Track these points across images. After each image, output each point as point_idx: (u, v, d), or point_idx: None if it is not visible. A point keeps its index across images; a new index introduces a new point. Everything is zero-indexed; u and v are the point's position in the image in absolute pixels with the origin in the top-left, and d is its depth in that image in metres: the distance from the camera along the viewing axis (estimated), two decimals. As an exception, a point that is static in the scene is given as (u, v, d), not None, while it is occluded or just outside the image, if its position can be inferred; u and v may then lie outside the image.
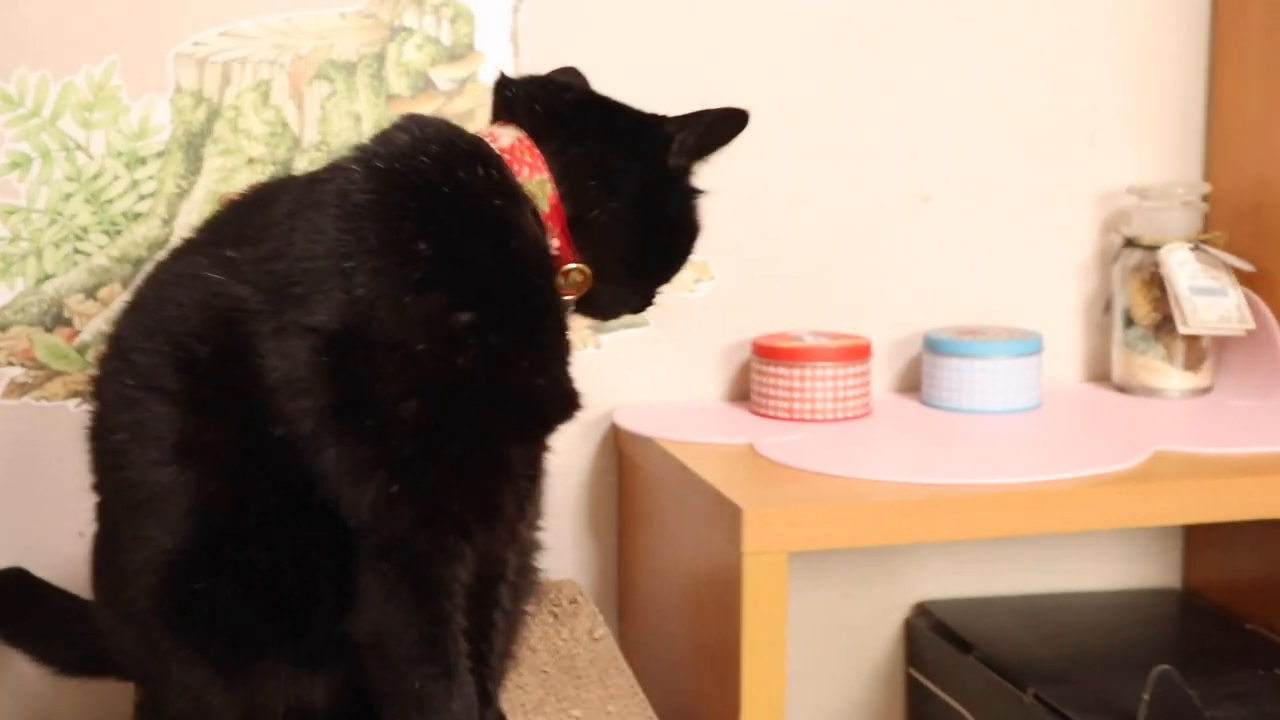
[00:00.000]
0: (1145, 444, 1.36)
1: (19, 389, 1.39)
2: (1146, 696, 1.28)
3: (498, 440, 1.01)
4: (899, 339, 1.59)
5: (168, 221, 1.39)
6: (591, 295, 1.06)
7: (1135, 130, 1.61)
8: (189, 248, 1.05)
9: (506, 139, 1.02)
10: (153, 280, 1.05)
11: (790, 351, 1.46)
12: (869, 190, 1.56)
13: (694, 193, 1.08)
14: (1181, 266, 1.51)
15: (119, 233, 1.39)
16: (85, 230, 1.38)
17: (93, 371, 1.07)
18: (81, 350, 1.39)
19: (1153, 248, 1.53)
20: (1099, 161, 1.60)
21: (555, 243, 1.02)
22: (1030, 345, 1.51)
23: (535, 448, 1.06)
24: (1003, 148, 1.58)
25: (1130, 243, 1.56)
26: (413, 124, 1.02)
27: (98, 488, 1.07)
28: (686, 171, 1.07)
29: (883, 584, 1.63)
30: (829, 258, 1.56)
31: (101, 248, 1.39)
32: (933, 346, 1.52)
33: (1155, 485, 1.27)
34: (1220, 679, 1.41)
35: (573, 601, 1.41)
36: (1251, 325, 1.50)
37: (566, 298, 1.04)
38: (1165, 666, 1.28)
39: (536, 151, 1.01)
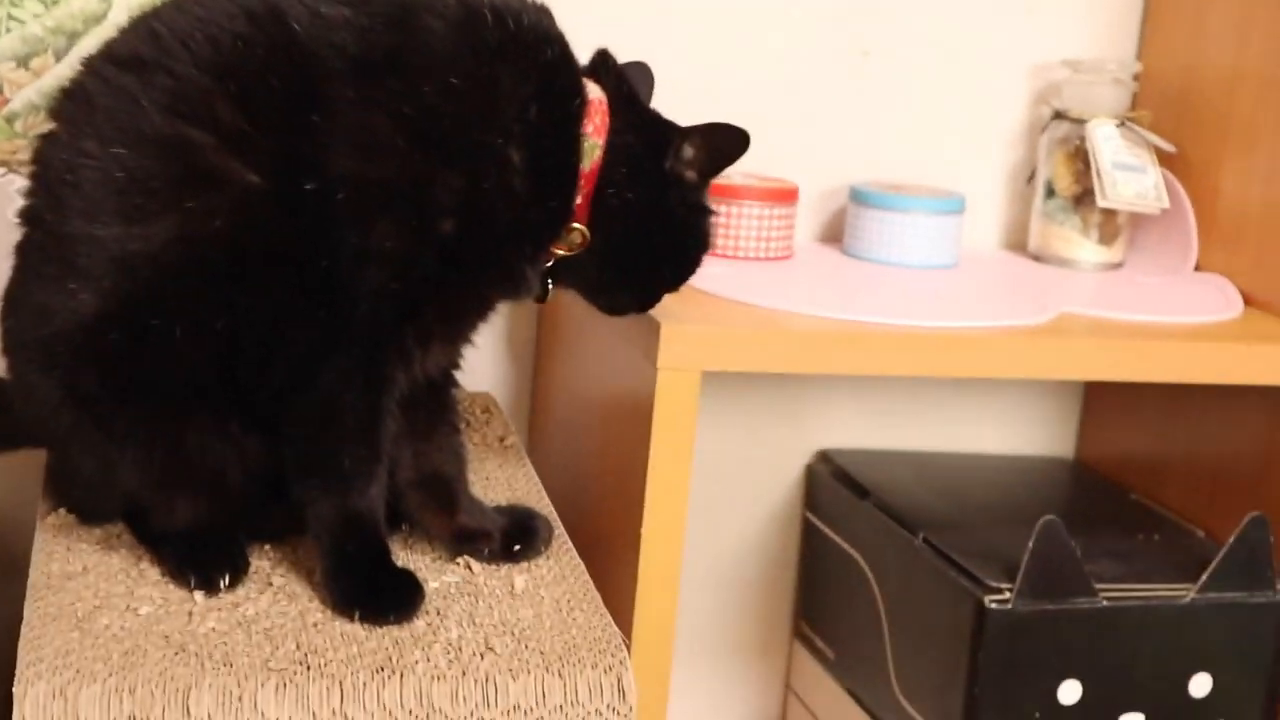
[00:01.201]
0: (1053, 305, 1.40)
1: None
2: (1030, 544, 1.33)
3: (486, 283, 1.11)
4: (827, 189, 1.61)
5: (110, -5, 1.38)
6: (588, 275, 1.15)
7: (1072, 4, 1.63)
8: None
9: (595, 93, 1.12)
10: (195, 9, 1.06)
11: (719, 189, 1.47)
12: (809, 40, 1.58)
13: (701, 208, 1.17)
14: (1106, 141, 1.54)
15: (55, 3, 1.37)
16: (20, -4, 1.37)
17: (62, 94, 1.08)
18: (10, 119, 1.38)
19: (1080, 121, 1.56)
20: (1035, 31, 1.63)
21: (578, 200, 1.10)
22: (952, 204, 1.54)
23: (495, 301, 1.15)
24: (944, 9, 1.60)
25: (1059, 115, 1.59)
26: (546, 16, 1.11)
27: (30, 224, 1.07)
28: (686, 180, 1.15)
29: (787, 429, 1.67)
30: (765, 104, 1.57)
31: (37, 16, 1.37)
32: (857, 198, 1.54)
33: (1059, 340, 1.32)
34: (1101, 539, 1.47)
35: (485, 410, 1.44)
36: (1166, 204, 1.54)
37: (560, 247, 1.12)
38: (1050, 517, 1.33)
39: (606, 120, 1.11)
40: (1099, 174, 1.53)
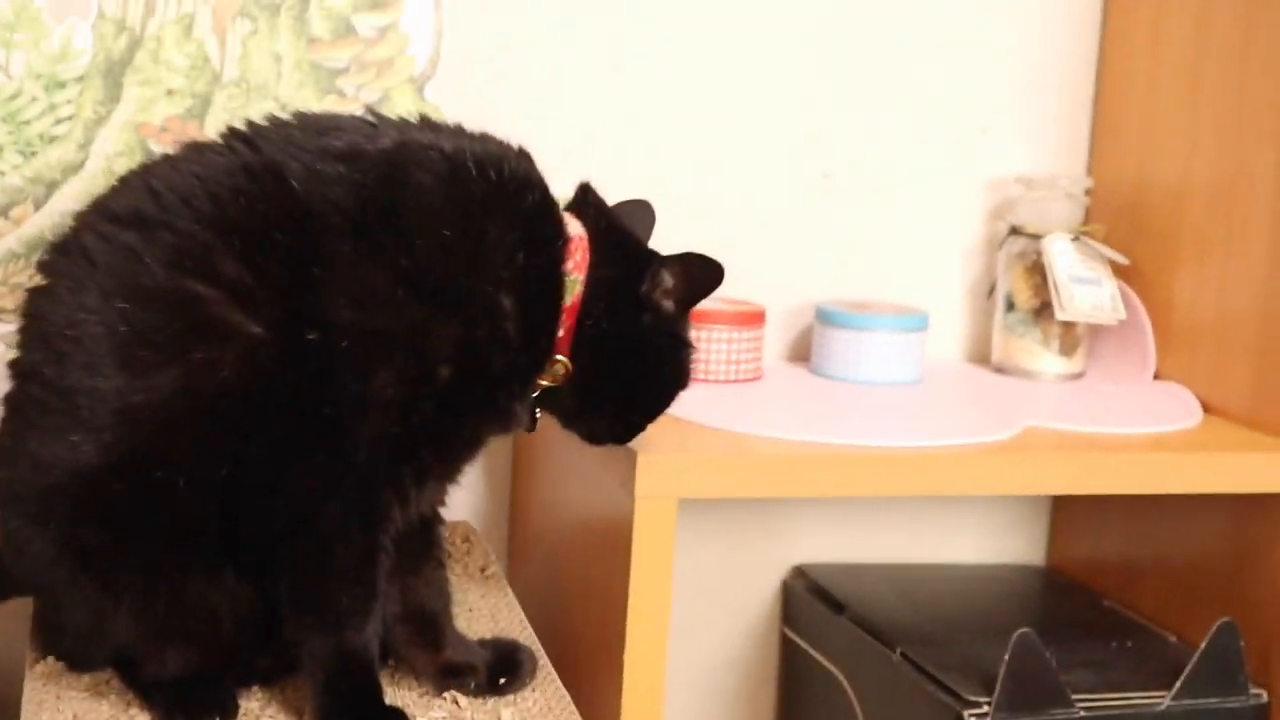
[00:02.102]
0: (1019, 419, 1.43)
1: (-74, 305, 1.40)
2: (1007, 657, 1.35)
3: (480, 423, 1.14)
4: (792, 308, 1.65)
5: (84, 146, 1.41)
6: (566, 403, 1.19)
7: (1025, 123, 1.68)
8: (252, 141, 1.10)
9: (576, 229, 1.16)
10: (194, 167, 1.09)
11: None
12: (771, 165, 1.62)
13: (680, 340, 1.21)
14: (1061, 256, 1.58)
15: (34, 154, 1.40)
16: (0, 149, 1.39)
17: (51, 255, 1.11)
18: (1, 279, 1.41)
19: (1036, 236, 1.61)
20: (990, 151, 1.68)
21: (560, 334, 1.14)
22: (916, 322, 1.57)
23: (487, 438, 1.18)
24: (900, 132, 1.65)
25: (1015, 230, 1.63)
26: (519, 157, 1.15)
27: (22, 377, 1.09)
28: (663, 309, 1.19)
29: (762, 546, 1.69)
30: (730, 227, 1.61)
31: (16, 168, 1.40)
32: (823, 318, 1.58)
33: (1025, 455, 1.35)
34: (1076, 648, 1.49)
35: (465, 540, 1.45)
36: (1123, 315, 1.58)
37: (542, 382, 1.16)
38: (1025, 630, 1.35)
39: (586, 256, 1.15)
40: (1056, 288, 1.57)
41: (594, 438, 1.23)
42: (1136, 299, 1.61)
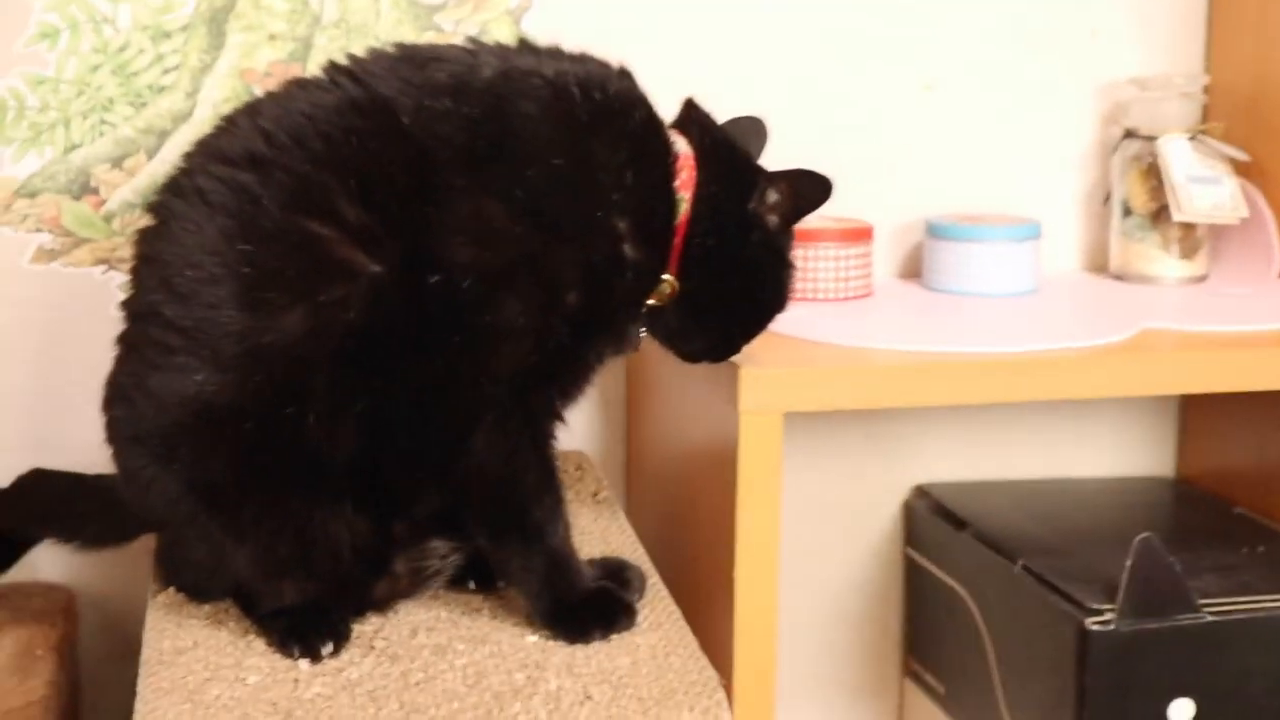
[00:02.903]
0: (1136, 321, 1.40)
1: (47, 255, 1.44)
2: (1129, 563, 1.32)
3: (604, 344, 1.16)
4: (903, 225, 1.63)
5: (191, 95, 1.44)
6: (670, 323, 1.19)
7: (1136, 22, 1.64)
8: (358, 76, 1.11)
9: (683, 147, 1.16)
10: (302, 105, 1.10)
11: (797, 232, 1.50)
12: (871, 77, 1.60)
13: (783, 258, 1.21)
14: (1178, 156, 1.54)
15: (144, 105, 1.43)
16: (111, 101, 1.43)
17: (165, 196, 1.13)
18: (108, 219, 1.44)
19: (1151, 138, 1.57)
20: (1100, 53, 1.63)
21: (674, 241, 1.15)
22: (1028, 230, 1.54)
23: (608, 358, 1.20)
24: (1006, 38, 1.62)
25: (1129, 133, 1.59)
26: (622, 77, 1.16)
27: (141, 318, 1.11)
28: (769, 225, 1.19)
29: (883, 466, 1.67)
30: (833, 144, 1.59)
31: (127, 119, 1.43)
32: (934, 232, 1.56)
33: (1143, 355, 1.32)
34: (1204, 554, 1.46)
35: (578, 468, 1.47)
36: (1245, 214, 1.54)
37: (650, 302, 1.17)
38: (1147, 534, 1.33)
39: (693, 174, 1.15)
40: (1173, 189, 1.53)
41: (692, 356, 1.23)
42: (1260, 197, 1.56)
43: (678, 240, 1.15)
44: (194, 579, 1.18)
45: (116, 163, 1.44)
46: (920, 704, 1.66)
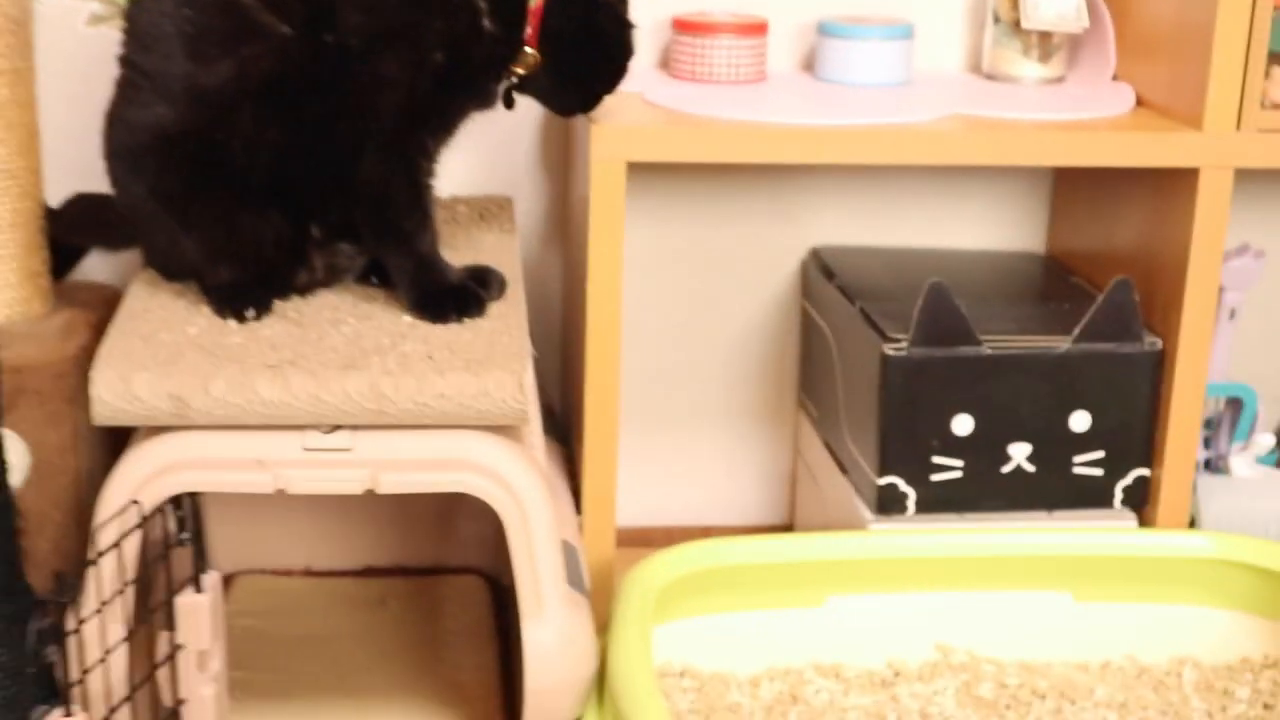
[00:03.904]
0: (946, 108, 1.69)
1: (96, 20, 1.82)
2: (919, 302, 1.63)
3: (466, 100, 1.50)
4: (804, 24, 1.91)
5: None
6: (542, 86, 1.54)
7: None
8: None
9: None
10: None
11: (696, 25, 1.81)
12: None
13: (623, 21, 1.54)
14: (1031, -30, 1.80)
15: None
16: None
17: None
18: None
19: (1012, -45, 1.83)
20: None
21: (529, 31, 1.48)
22: (902, 31, 1.82)
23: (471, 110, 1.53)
24: None
25: (1001, -50, 1.85)
26: None
27: (124, 64, 1.49)
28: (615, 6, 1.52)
29: (787, 231, 1.98)
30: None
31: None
32: (824, 29, 1.84)
33: (929, 130, 1.62)
34: (1015, 307, 1.77)
35: (500, 207, 1.81)
36: (1085, 24, 1.79)
37: (518, 68, 1.50)
38: (937, 279, 1.63)
39: None
40: (1022, 0, 1.79)
41: (565, 111, 1.59)
42: (1105, 10, 1.81)
43: (535, 21, 1.48)
44: (161, 262, 1.56)
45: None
46: (805, 429, 1.99)
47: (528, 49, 1.50)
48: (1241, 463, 1.83)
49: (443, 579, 1.88)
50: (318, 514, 1.88)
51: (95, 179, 1.69)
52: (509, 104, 1.55)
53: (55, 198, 1.72)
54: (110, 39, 1.76)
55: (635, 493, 1.98)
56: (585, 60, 1.54)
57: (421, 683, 1.68)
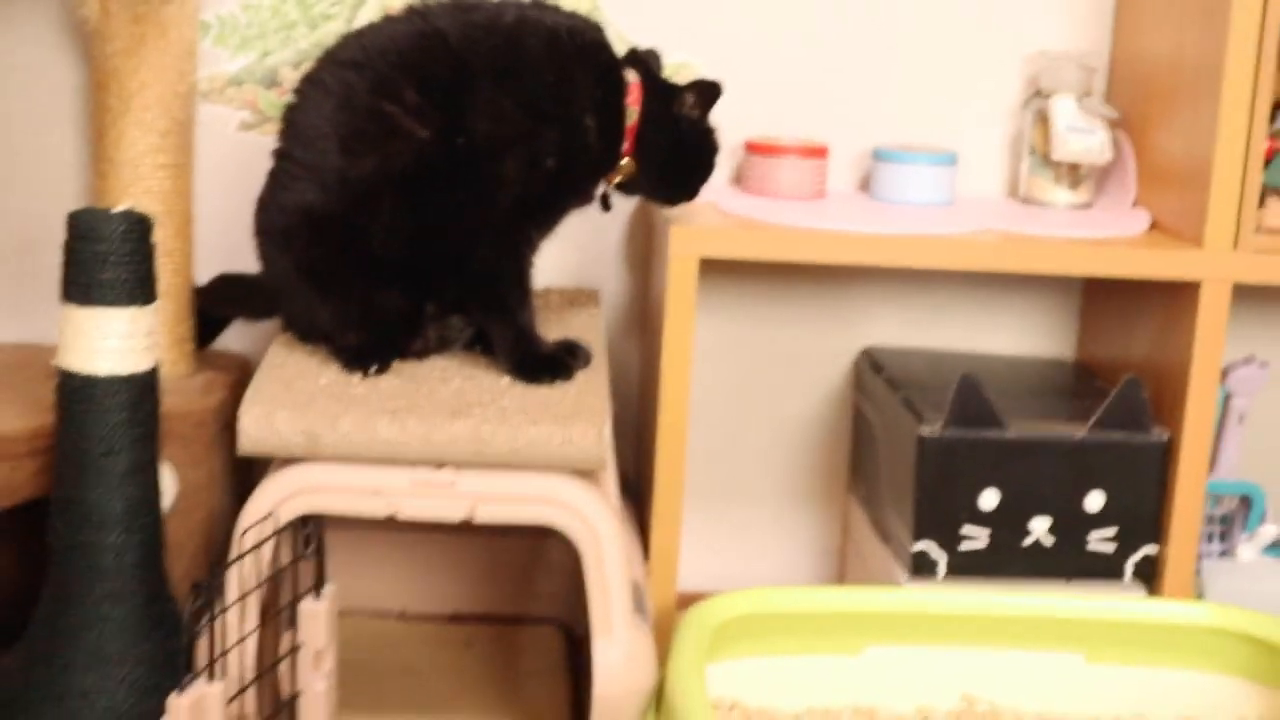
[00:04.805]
0: (981, 224, 1.94)
1: (246, 127, 2.11)
2: (952, 391, 1.86)
3: (569, 200, 1.79)
4: (862, 151, 2.17)
5: (349, 21, 2.08)
6: (644, 188, 1.84)
7: (1059, 7, 2.14)
8: (425, 14, 1.75)
9: (631, 77, 1.79)
10: (388, 31, 1.75)
11: (765, 147, 2.07)
12: (849, 40, 2.15)
13: (706, 129, 1.83)
14: (1062, 111, 2.04)
15: (316, 27, 2.08)
16: (294, 24, 2.08)
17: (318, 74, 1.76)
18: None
19: (1049, 96, 2.08)
20: (1028, 28, 2.14)
21: (626, 145, 1.76)
22: (947, 159, 2.07)
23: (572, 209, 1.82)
24: (953, 13, 2.14)
25: (1037, 93, 2.10)
26: (595, 29, 1.78)
27: (280, 156, 1.76)
28: (691, 115, 1.81)
29: (840, 332, 2.22)
30: (811, 89, 2.15)
31: (304, 36, 2.08)
32: (878, 155, 2.10)
33: (963, 240, 1.86)
34: (1040, 401, 1.99)
35: (589, 298, 2.07)
36: (1109, 157, 2.04)
37: (616, 175, 1.80)
38: (969, 372, 1.86)
39: (639, 94, 1.78)
40: (1054, 135, 2.04)
41: (667, 202, 1.87)
42: (1128, 145, 2.05)
43: (631, 136, 1.75)
44: (298, 326, 1.83)
45: (295, 65, 2.09)
46: (854, 510, 2.21)
47: (625, 159, 1.78)
48: (1247, 550, 2.03)
49: (523, 627, 2.11)
50: (414, 565, 2.12)
51: (236, 262, 1.97)
52: (606, 207, 1.82)
53: (202, 277, 2.00)
54: (253, 143, 2.06)
55: (698, 561, 2.21)
56: (675, 160, 1.82)
57: (501, 707, 1.90)
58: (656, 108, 1.78)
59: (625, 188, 1.83)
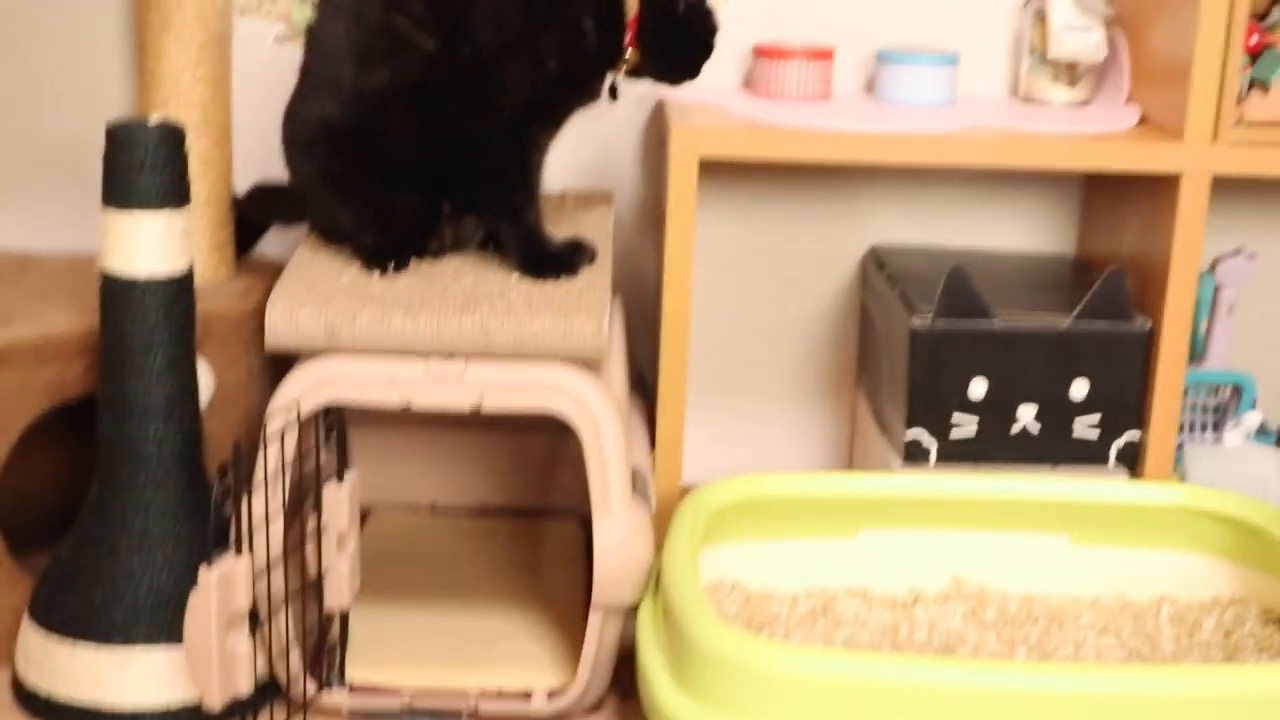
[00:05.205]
0: (974, 120, 2.01)
1: (282, 40, 2.22)
2: (942, 281, 1.95)
3: (572, 98, 1.88)
4: (867, 54, 2.24)
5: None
6: (651, 71, 1.91)
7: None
8: None
9: None
10: None
11: (772, 51, 2.15)
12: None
13: (705, 12, 1.90)
14: (1058, 9, 2.11)
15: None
16: None
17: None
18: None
19: (1048, -3, 2.14)
20: (1024, -67, 2.21)
21: (629, 35, 1.85)
22: (948, 59, 2.14)
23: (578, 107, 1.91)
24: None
25: (1036, -7, 2.17)
26: None
27: (303, 71, 1.88)
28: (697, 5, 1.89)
29: (849, 231, 2.31)
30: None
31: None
32: (881, 58, 2.18)
33: (959, 136, 1.94)
34: (1032, 294, 2.07)
35: (604, 199, 2.17)
36: (1104, 54, 2.10)
37: (624, 62, 1.87)
38: (958, 265, 1.95)
39: None
40: (1050, 34, 2.11)
41: (674, 82, 1.94)
42: (1123, 42, 2.12)
43: (632, 29, 1.84)
44: (322, 228, 1.95)
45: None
46: (861, 403, 2.31)
47: (629, 50, 1.86)
48: (1233, 436, 2.11)
49: (544, 519, 2.25)
50: (443, 460, 2.25)
51: (273, 170, 2.09)
52: (614, 96, 1.91)
53: (241, 186, 2.13)
54: (287, 56, 2.17)
55: (709, 455, 2.32)
56: (680, 44, 1.90)
57: (521, 592, 2.03)
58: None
59: (632, 73, 1.91)
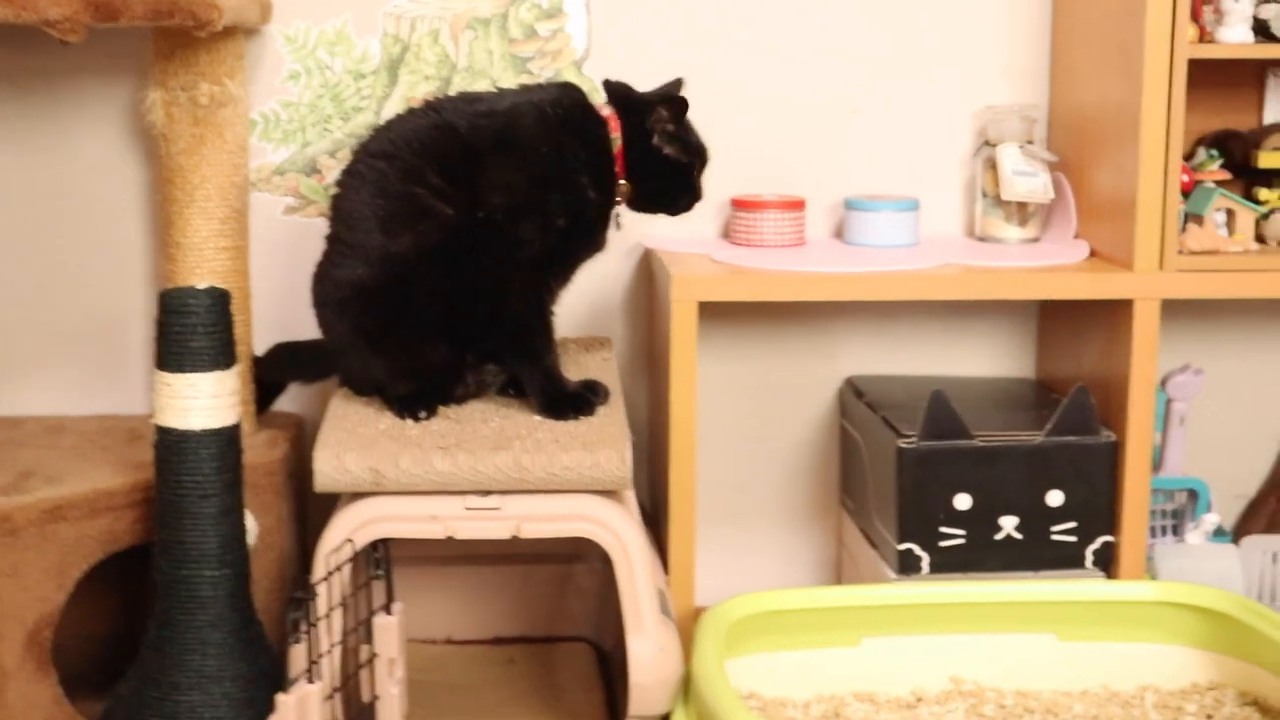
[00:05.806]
0: (942, 259, 2.21)
1: (291, 210, 2.38)
2: (925, 406, 2.12)
3: (580, 249, 2.06)
4: (838, 203, 2.44)
5: (376, 113, 2.36)
6: (643, 201, 2.09)
7: (1003, 67, 2.42)
8: (438, 109, 2.03)
9: (607, 110, 2.07)
10: (410, 125, 2.02)
11: (749, 203, 2.35)
12: (813, 100, 2.43)
13: (682, 141, 2.08)
14: (1008, 157, 2.33)
15: (348, 119, 2.36)
16: (329, 117, 2.36)
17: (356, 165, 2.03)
18: (326, 189, 2.37)
19: (996, 145, 2.36)
20: (977, 86, 2.42)
21: (617, 169, 2.03)
22: (909, 205, 2.35)
23: (586, 258, 2.09)
24: (910, 73, 2.42)
25: (986, 142, 2.38)
26: (574, 93, 2.06)
27: (331, 238, 2.04)
28: (668, 130, 2.06)
29: (825, 364, 2.49)
30: (788, 149, 2.42)
31: (338, 128, 2.36)
32: (850, 205, 2.38)
33: (927, 274, 2.13)
34: (1002, 414, 2.25)
35: (602, 344, 2.34)
36: (1052, 196, 2.32)
37: (618, 199, 2.05)
38: (938, 389, 2.13)
39: (616, 121, 2.05)
40: (1002, 179, 2.32)
41: (668, 212, 2.12)
42: (1067, 184, 2.33)
43: (620, 161, 2.03)
44: (355, 382, 2.10)
45: (332, 154, 2.37)
46: (846, 523, 2.47)
47: (621, 182, 2.04)
48: (1194, 536, 2.29)
49: (557, 645, 2.37)
50: (458, 595, 2.38)
51: (289, 331, 2.24)
52: (617, 227, 2.08)
53: (259, 347, 2.27)
54: (297, 225, 2.34)
55: (711, 578, 2.46)
56: (664, 171, 2.08)
57: (544, 713, 2.15)
58: (634, 128, 2.04)
59: (636, 204, 2.08)
